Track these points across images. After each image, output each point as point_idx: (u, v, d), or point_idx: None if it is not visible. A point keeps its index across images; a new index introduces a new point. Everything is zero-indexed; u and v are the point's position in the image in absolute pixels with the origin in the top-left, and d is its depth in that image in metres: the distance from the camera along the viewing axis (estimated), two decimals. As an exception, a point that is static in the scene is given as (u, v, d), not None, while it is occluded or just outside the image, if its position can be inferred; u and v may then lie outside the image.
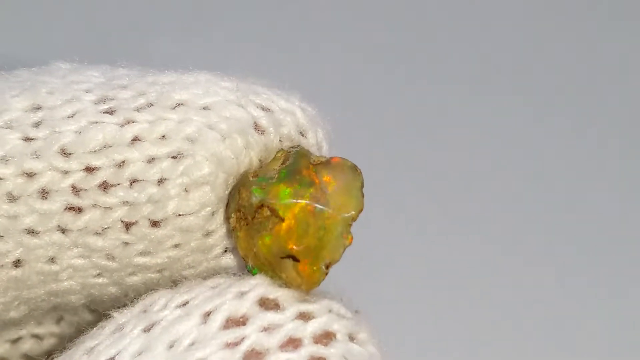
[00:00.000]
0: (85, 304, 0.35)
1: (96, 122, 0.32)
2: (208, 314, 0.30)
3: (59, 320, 0.39)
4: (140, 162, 0.32)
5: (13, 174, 0.32)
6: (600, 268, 0.70)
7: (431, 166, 0.73)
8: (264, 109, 0.33)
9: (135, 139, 0.32)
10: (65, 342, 0.33)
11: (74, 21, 0.77)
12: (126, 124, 0.32)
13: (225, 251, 0.33)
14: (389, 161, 0.73)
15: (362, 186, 0.32)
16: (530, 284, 0.70)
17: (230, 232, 0.33)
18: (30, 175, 0.32)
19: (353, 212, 0.31)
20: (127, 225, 0.32)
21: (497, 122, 0.75)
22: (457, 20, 0.80)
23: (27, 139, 0.32)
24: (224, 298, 0.30)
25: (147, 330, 0.30)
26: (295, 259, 0.31)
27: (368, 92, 0.77)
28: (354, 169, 0.32)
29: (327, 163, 0.32)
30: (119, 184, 0.32)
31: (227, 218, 0.33)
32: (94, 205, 0.32)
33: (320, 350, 0.30)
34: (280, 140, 0.33)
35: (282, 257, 0.31)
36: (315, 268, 0.31)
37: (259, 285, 0.31)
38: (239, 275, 0.32)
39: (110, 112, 0.32)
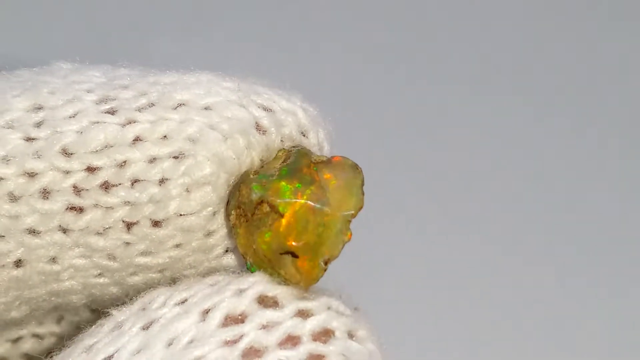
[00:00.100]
0: (86, 304, 0.35)
1: (97, 122, 0.32)
2: (207, 312, 0.30)
3: (59, 320, 0.39)
4: (141, 162, 0.32)
5: (14, 173, 0.32)
6: (600, 268, 0.70)
7: (431, 166, 0.73)
8: (265, 109, 0.33)
9: (137, 139, 0.32)
10: (65, 341, 0.33)
11: (74, 21, 0.77)
12: (127, 124, 0.32)
13: (227, 251, 0.33)
14: (389, 161, 0.73)
15: (363, 184, 0.32)
16: (530, 284, 0.70)
17: (231, 230, 0.33)
18: (31, 175, 0.32)
19: (353, 210, 0.31)
20: (129, 225, 0.32)
21: (497, 122, 0.75)
22: (457, 20, 0.80)
23: (29, 139, 0.32)
24: (222, 296, 0.30)
25: (145, 328, 0.30)
26: (294, 255, 0.31)
27: (368, 92, 0.77)
28: (355, 167, 0.32)
29: (328, 162, 0.32)
30: (120, 184, 0.32)
31: (227, 215, 0.33)
32: (95, 205, 0.32)
33: (319, 347, 0.30)
34: (281, 140, 0.33)
35: (282, 254, 0.31)
36: (314, 264, 0.31)
37: (258, 283, 0.31)
38: (238, 273, 0.32)
39: (111, 112, 0.32)
